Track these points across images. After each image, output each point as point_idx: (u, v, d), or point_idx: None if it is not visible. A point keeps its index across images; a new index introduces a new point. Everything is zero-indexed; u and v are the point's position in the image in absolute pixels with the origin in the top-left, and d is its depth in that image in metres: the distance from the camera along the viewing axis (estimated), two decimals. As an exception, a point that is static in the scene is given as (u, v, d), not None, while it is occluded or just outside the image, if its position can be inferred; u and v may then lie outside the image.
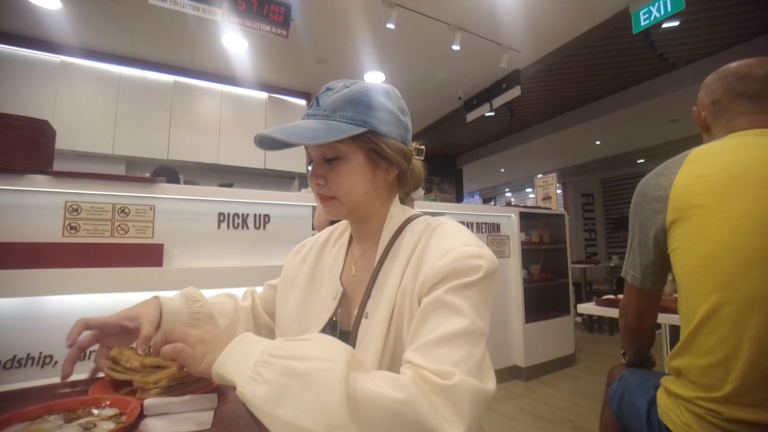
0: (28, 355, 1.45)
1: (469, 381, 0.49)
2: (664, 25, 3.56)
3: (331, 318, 0.71)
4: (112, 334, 0.69)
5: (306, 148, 0.70)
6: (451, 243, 0.62)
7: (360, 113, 0.66)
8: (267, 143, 0.67)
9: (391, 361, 0.61)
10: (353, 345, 0.64)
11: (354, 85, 0.69)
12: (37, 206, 1.56)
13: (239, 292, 0.94)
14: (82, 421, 0.49)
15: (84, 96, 4.02)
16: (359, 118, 0.65)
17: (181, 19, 3.42)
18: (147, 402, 0.53)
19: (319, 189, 0.70)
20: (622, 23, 3.56)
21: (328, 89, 0.69)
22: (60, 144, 1.74)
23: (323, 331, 0.70)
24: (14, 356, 1.44)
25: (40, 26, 3.70)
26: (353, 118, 0.65)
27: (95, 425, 0.47)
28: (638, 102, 4.93)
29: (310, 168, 0.72)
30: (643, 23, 3.19)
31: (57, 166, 1.65)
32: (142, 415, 0.52)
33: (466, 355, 0.52)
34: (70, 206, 1.61)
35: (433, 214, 0.76)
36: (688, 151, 0.91)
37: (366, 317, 0.65)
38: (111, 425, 0.48)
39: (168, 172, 3.20)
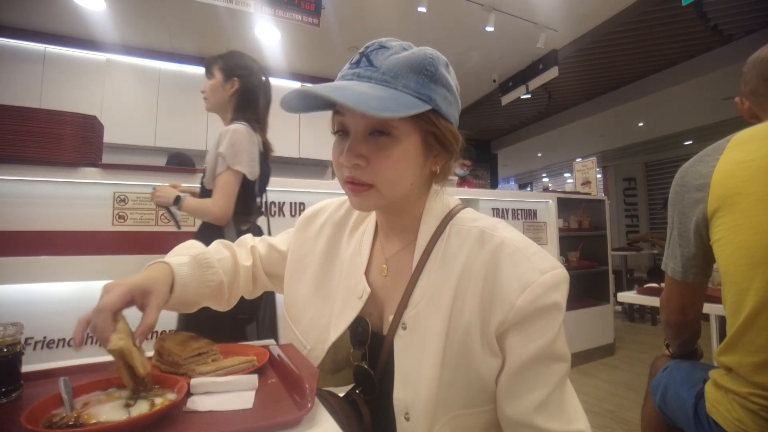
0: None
1: None
2: (719, -5, 3.31)
3: (360, 317, 0.66)
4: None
5: (339, 113, 0.58)
6: (526, 272, 0.55)
7: (424, 86, 0.54)
8: (294, 104, 0.56)
9: (448, 391, 0.57)
10: (389, 354, 0.61)
11: (414, 49, 0.57)
12: (89, 197, 1.66)
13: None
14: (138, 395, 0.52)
15: (128, 91, 4.21)
16: (424, 92, 0.54)
17: (215, 13, 3.49)
18: (193, 381, 0.56)
19: (355, 171, 0.56)
20: (670, -5, 3.33)
21: (383, 47, 0.56)
22: (106, 138, 1.84)
23: (352, 327, 0.67)
24: (74, 336, 1.56)
25: (87, 27, 3.89)
26: (417, 91, 0.54)
27: (150, 399, 0.51)
28: (687, 79, 4.62)
29: (337, 138, 0.59)
30: (694, -7, 2.96)
31: (104, 159, 1.75)
32: (188, 393, 0.55)
33: (573, 393, 0.57)
34: (119, 197, 1.70)
35: (467, 201, 0.73)
36: (730, 136, 0.85)
37: (404, 328, 0.60)
38: (162, 400, 0.51)
39: (182, 159, 3.29)
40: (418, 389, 0.57)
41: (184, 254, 0.70)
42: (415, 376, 0.58)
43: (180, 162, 3.14)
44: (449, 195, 0.68)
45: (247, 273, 0.79)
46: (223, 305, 0.77)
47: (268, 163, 1.58)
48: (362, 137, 0.56)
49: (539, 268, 0.55)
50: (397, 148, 0.55)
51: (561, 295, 0.55)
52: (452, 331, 0.57)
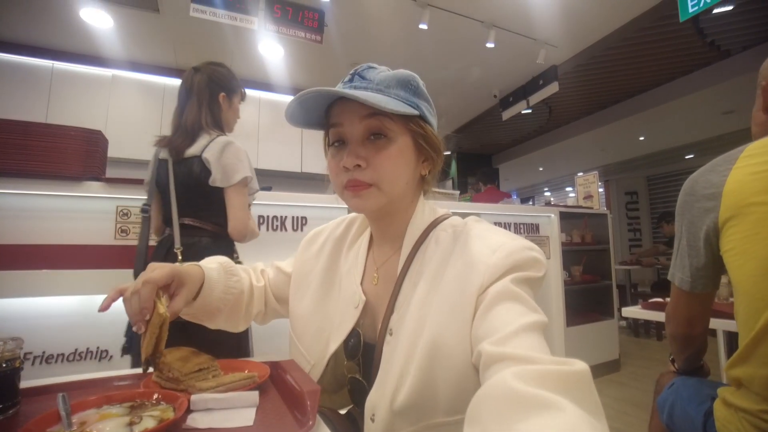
0: (87, 348, 1.56)
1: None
2: (716, 11, 3.35)
3: (353, 328, 0.67)
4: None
5: (338, 126, 0.62)
6: (496, 240, 0.58)
7: (411, 96, 0.62)
8: (299, 117, 0.65)
9: (422, 393, 0.54)
10: (378, 362, 0.61)
11: (397, 69, 0.65)
12: (91, 211, 1.67)
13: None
14: (138, 411, 0.51)
15: (132, 107, 4.26)
16: (411, 100, 0.62)
17: (220, 29, 3.56)
18: (193, 397, 0.55)
19: (356, 172, 0.60)
20: (667, 11, 3.38)
21: (371, 67, 0.64)
22: (111, 152, 1.85)
23: (347, 340, 0.67)
24: (75, 349, 1.55)
25: (94, 44, 3.96)
26: (406, 99, 0.61)
27: (150, 416, 0.50)
28: (686, 94, 4.65)
29: (334, 147, 0.64)
30: (691, 10, 3.00)
31: (108, 173, 1.76)
32: (188, 410, 0.54)
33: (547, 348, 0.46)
34: (121, 210, 1.71)
35: (467, 216, 0.71)
36: (742, 146, 0.85)
37: (390, 334, 0.61)
38: (162, 417, 0.50)
39: None
40: (386, 389, 0.57)
41: (212, 262, 0.76)
42: (388, 379, 0.58)
43: None
44: (445, 208, 0.71)
45: (260, 293, 0.83)
46: (238, 321, 0.79)
47: (169, 173, 1.39)
48: (361, 141, 0.61)
49: (510, 237, 0.59)
50: (392, 147, 0.61)
51: (539, 253, 0.57)
52: (428, 330, 0.56)
